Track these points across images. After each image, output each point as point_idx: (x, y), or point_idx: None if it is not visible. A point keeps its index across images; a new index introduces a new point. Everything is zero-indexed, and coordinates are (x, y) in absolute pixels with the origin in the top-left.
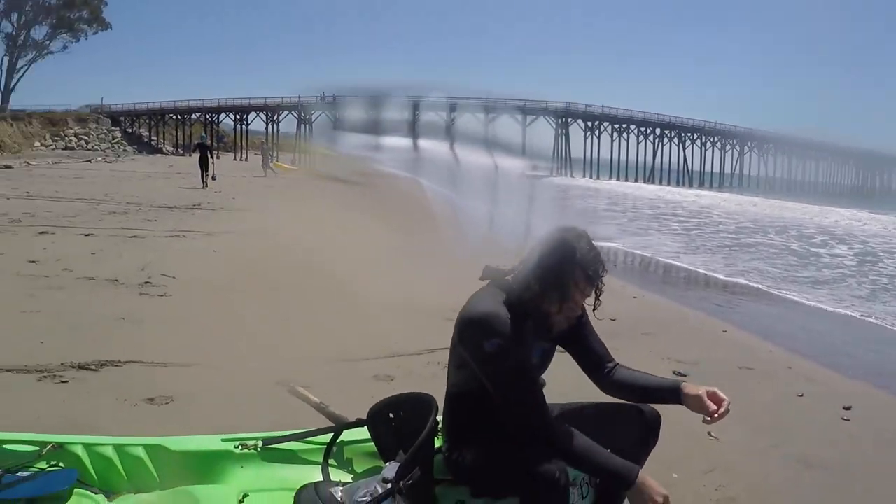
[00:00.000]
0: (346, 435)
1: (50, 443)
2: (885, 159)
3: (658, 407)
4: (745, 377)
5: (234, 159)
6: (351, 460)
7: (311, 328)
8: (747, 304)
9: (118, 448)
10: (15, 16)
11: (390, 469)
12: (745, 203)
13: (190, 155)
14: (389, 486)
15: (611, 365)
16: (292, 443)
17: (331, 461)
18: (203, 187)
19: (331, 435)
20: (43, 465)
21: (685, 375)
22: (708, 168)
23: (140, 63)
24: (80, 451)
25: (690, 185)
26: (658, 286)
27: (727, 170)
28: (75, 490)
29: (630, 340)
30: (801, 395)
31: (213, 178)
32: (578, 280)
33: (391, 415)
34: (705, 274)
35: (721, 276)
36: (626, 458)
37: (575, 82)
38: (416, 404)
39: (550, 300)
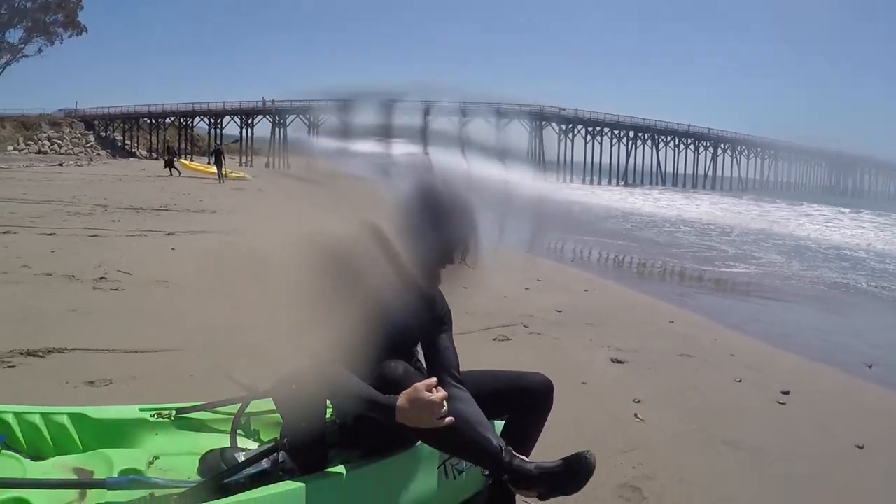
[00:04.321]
0: (255, 406)
1: None
2: (857, 160)
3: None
4: (682, 364)
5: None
6: (258, 430)
7: (257, 318)
8: (709, 296)
9: (44, 416)
10: None
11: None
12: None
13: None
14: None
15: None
16: (204, 413)
17: (238, 430)
18: (220, 183)
19: (239, 405)
20: None
21: (623, 362)
22: (681, 170)
23: (115, 68)
24: (10, 418)
25: (664, 186)
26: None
27: (700, 172)
28: (3, 452)
29: (572, 329)
30: (739, 381)
31: (226, 175)
32: None
33: (294, 386)
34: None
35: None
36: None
37: (545, 82)
38: None
39: None
